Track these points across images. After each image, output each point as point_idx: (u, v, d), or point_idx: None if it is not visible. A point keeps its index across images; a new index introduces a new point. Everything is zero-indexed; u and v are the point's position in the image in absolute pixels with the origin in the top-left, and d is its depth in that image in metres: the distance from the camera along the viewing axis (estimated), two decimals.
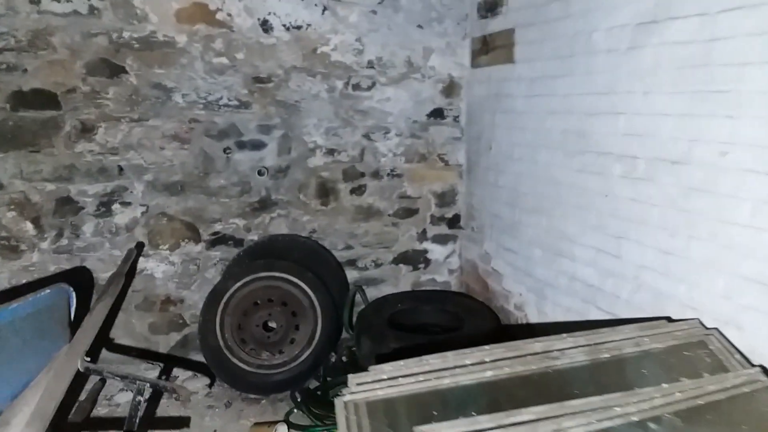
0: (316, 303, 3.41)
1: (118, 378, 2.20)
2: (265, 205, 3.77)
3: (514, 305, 3.48)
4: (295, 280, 3.42)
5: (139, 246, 3.52)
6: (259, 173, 3.67)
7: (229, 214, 3.71)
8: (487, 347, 2.11)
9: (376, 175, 3.96)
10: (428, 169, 4.07)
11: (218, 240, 3.71)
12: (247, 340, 3.36)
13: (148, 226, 3.57)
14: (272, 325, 3.47)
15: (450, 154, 4.08)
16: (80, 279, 3.36)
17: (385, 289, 4.11)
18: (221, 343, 3.26)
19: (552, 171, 3.05)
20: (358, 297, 3.91)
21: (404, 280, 4.15)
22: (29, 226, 3.37)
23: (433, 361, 2.05)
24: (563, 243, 2.97)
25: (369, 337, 3.27)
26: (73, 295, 2.42)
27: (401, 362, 2.07)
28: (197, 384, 3.41)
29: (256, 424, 2.92)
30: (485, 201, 3.85)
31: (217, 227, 3.70)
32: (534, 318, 3.28)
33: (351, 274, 4.02)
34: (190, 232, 3.65)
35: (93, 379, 3.25)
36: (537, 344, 2.12)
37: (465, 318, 3.49)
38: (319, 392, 3.27)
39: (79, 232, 3.47)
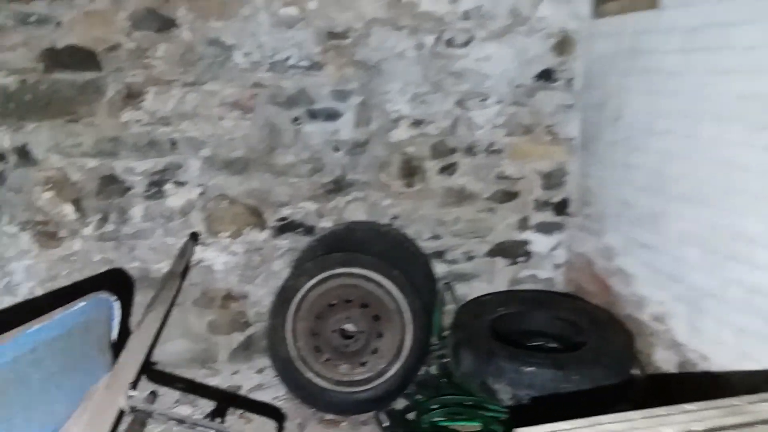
0: (404, 307, 2.82)
1: (174, 422, 1.67)
2: (340, 186, 3.17)
3: (652, 316, 2.78)
4: (379, 278, 2.83)
5: (195, 237, 2.99)
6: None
7: (299, 197, 3.13)
8: (691, 406, 1.46)
9: (470, 151, 3.29)
10: (533, 144, 3.37)
11: (286, 227, 3.15)
12: (322, 348, 2.81)
13: (206, 210, 3.04)
14: (351, 330, 2.90)
15: (560, 125, 3.37)
16: (113, 284, 2.86)
17: (478, 286, 3.47)
18: (293, 353, 2.72)
19: (722, 149, 2.32)
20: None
21: (500, 276, 3.50)
22: (69, 209, 2.89)
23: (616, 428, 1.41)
24: (738, 244, 2.26)
25: (471, 352, 2.66)
26: (117, 306, 1.89)
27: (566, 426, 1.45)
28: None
29: None
30: (608, 184, 3.13)
31: (285, 212, 3.14)
32: (683, 335, 2.58)
33: (438, 268, 3.41)
34: (253, 217, 3.10)
35: None
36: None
37: (587, 329, 2.83)
38: (408, 414, 2.70)
39: (127, 217, 2.96)
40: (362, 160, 3.17)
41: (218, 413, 2.49)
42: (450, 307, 3.33)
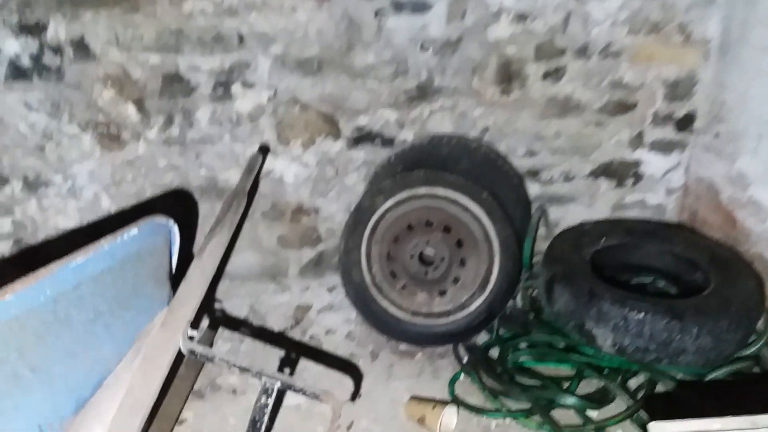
0: (492, 234, 2.49)
1: (237, 369, 1.47)
2: (425, 92, 2.77)
3: None
4: (465, 201, 2.49)
5: (264, 151, 2.72)
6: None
7: (378, 104, 2.76)
8: None
9: (582, 52, 2.77)
10: (660, 46, 2.79)
11: (362, 137, 2.82)
12: (398, 273, 2.56)
13: (277, 115, 2.74)
14: (430, 255, 2.62)
15: (696, 23, 2.75)
16: (177, 206, 2.67)
17: (574, 211, 3.07)
18: (367, 279, 2.48)
19: None
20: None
21: (601, 201, 3.07)
22: (131, 109, 2.66)
23: None
24: None
25: (568, 289, 2.33)
26: (176, 231, 1.67)
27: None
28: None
29: (415, 399, 2.17)
30: (750, 98, 2.56)
31: (362, 120, 2.79)
32: None
33: (531, 188, 3.01)
34: (327, 125, 2.78)
35: None
36: None
37: (707, 269, 2.42)
38: (490, 351, 2.46)
39: (193, 120, 2.72)
40: (453, 61, 2.72)
41: (287, 363, 2.29)
42: (543, 234, 2.98)
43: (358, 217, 2.49)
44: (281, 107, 2.72)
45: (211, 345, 2.31)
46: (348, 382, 2.21)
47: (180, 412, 2.00)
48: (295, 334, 2.59)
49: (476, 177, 2.67)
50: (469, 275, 2.53)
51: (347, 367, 2.38)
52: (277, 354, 2.43)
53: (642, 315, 2.14)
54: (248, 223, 2.91)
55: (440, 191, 2.50)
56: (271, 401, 1.43)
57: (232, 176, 2.80)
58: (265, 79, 2.67)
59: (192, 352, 1.47)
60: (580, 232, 2.72)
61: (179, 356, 1.48)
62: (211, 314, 2.69)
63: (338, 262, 2.49)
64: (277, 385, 1.43)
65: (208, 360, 1.48)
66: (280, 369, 2.22)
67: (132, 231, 1.49)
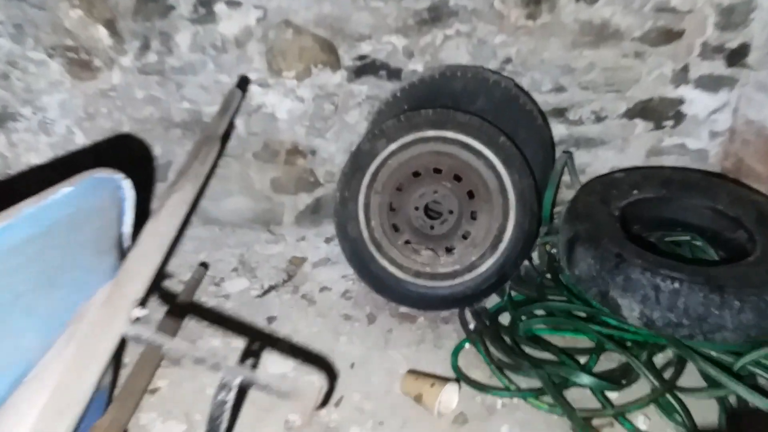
0: (508, 184, 2.18)
1: (192, 361, 1.24)
2: (438, 14, 2.38)
3: None
4: (479, 146, 2.17)
5: (243, 84, 2.39)
6: None
7: (384, 28, 2.39)
8: None
9: None
10: None
11: (365, 68, 2.47)
12: (400, 227, 2.29)
13: (267, 41, 2.39)
14: (438, 207, 2.33)
15: None
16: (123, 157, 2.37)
17: (605, 156, 2.73)
18: (365, 234, 2.21)
19: None
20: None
21: (636, 145, 2.72)
22: (102, 32, 2.33)
23: None
24: None
25: (591, 251, 2.04)
26: (128, 188, 1.40)
27: None
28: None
29: (413, 373, 1.95)
30: None
31: (365, 48, 2.43)
32: None
33: (556, 130, 2.67)
34: (325, 53, 2.43)
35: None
36: None
37: (754, 230, 2.11)
38: (500, 316, 2.22)
39: (172, 45, 2.38)
40: None
41: (252, 354, 1.98)
42: (567, 182, 2.66)
43: (356, 162, 2.19)
44: (272, 31, 2.37)
45: (173, 328, 2.05)
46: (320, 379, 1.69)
47: (148, 383, 1.80)
48: (287, 291, 2.36)
49: (494, 117, 2.33)
50: (480, 231, 2.25)
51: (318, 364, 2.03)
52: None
53: (676, 285, 1.85)
54: (239, 163, 2.63)
55: (451, 134, 2.18)
56: (231, 397, 1.20)
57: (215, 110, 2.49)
58: None
59: (138, 338, 1.23)
60: (609, 183, 2.39)
61: (124, 343, 1.25)
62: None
63: (333, 214, 2.21)
64: (238, 380, 1.19)
65: (153, 344, 1.24)
66: (243, 360, 1.92)
67: (65, 189, 1.22)
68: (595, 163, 2.75)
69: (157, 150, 2.57)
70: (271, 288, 2.37)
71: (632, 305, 1.94)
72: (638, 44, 2.49)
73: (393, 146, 2.19)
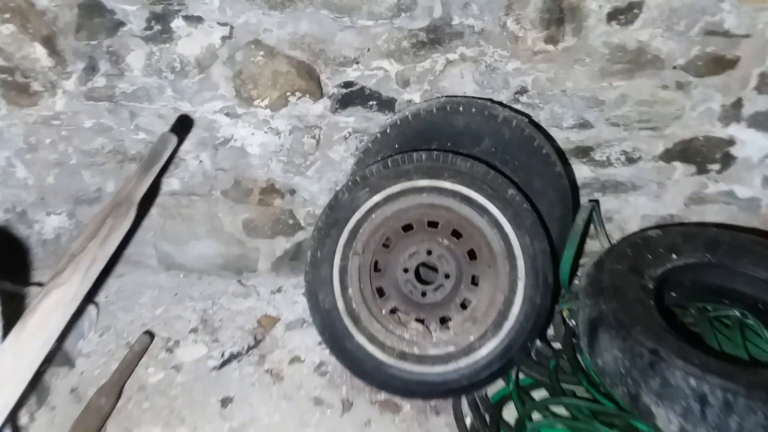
0: (517, 249, 1.78)
1: None
2: (439, 36, 1.98)
3: None
4: (483, 201, 1.78)
5: (181, 126, 2.01)
6: None
7: (374, 51, 2.00)
8: None
9: None
10: None
11: (352, 97, 2.08)
12: (386, 291, 1.90)
13: (234, 64, 2.01)
14: (431, 265, 1.94)
15: None
16: None
17: (635, 203, 2.30)
18: (341, 304, 1.82)
19: None
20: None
21: (673, 191, 2.28)
22: (40, 51, 1.98)
23: None
24: None
25: (618, 340, 1.63)
26: None
27: None
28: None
29: None
30: None
31: (352, 74, 2.04)
32: None
33: (579, 171, 2.25)
34: (304, 79, 2.04)
35: None
36: None
37: None
38: (503, 407, 1.81)
39: (123, 67, 2.02)
40: None
41: None
42: (591, 236, 2.24)
43: (332, 216, 1.81)
44: (240, 52, 1.99)
45: None
46: None
47: None
48: (251, 362, 1.98)
49: (502, 162, 1.95)
50: (481, 302, 1.85)
51: None
52: None
53: (729, 398, 1.44)
54: (205, 202, 2.26)
55: (448, 185, 1.79)
56: None
57: (184, 143, 2.13)
58: (216, 11, 1.93)
59: None
60: (641, 245, 1.96)
61: None
62: None
63: (303, 277, 1.83)
64: None
65: None
66: None
67: None
68: (625, 210, 2.33)
69: (109, 187, 2.21)
70: (233, 357, 2.00)
71: (670, 417, 1.53)
72: (681, 74, 2.06)
73: (377, 198, 1.81)
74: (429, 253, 1.90)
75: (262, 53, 1.98)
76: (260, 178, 2.22)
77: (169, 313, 2.20)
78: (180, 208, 2.26)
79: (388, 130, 1.97)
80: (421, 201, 1.83)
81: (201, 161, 2.18)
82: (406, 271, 1.90)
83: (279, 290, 2.33)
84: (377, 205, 1.82)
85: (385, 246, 1.90)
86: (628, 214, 2.34)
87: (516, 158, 1.93)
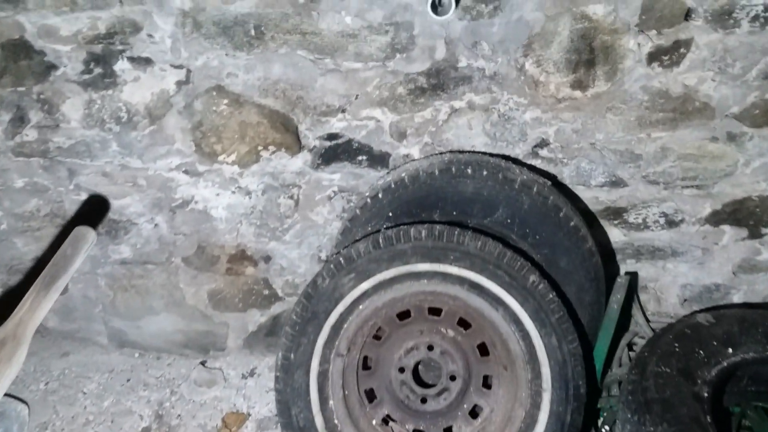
0: (541, 352, 1.42)
1: None
2: (442, 81, 1.62)
3: None
4: (497, 290, 1.42)
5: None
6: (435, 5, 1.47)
7: (364, 99, 1.64)
8: None
9: (722, 18, 1.56)
10: None
11: (337, 151, 1.72)
12: (378, 394, 1.54)
13: (192, 113, 1.66)
14: (432, 365, 1.58)
15: None
16: None
17: (675, 271, 1.94)
18: (318, 421, 1.45)
19: None
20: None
21: (721, 258, 1.92)
22: None
23: None
24: None
25: None
26: None
27: None
28: None
29: None
30: None
31: (337, 124, 1.68)
32: None
33: (611, 234, 1.89)
34: (278, 131, 1.69)
35: None
36: None
37: None
38: None
39: (58, 117, 1.67)
40: (492, 29, 1.56)
41: None
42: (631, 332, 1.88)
43: (310, 309, 1.44)
44: (199, 100, 1.64)
45: None
46: None
47: None
48: None
49: (521, 236, 1.58)
50: (495, 413, 1.48)
51: None
52: None
53: None
54: (163, 271, 1.90)
55: (454, 270, 1.43)
56: None
57: (129, 204, 1.78)
58: (168, 51, 1.57)
59: None
60: (691, 336, 1.59)
61: None
62: None
63: (273, 385, 1.46)
64: None
65: None
66: None
67: None
68: (663, 278, 1.97)
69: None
70: None
71: None
72: (735, 123, 1.70)
73: (365, 285, 1.45)
74: (430, 348, 1.54)
75: (226, 101, 1.63)
76: (228, 244, 1.86)
77: (119, 406, 1.83)
78: (133, 279, 1.90)
79: (380, 195, 1.61)
80: (420, 289, 1.47)
81: (156, 225, 1.82)
82: (401, 371, 1.54)
83: (251, 373, 1.96)
84: (365, 295, 1.46)
85: (377, 338, 1.55)
86: (665, 283, 1.98)
87: (537, 232, 1.57)
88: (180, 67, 1.59)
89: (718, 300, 1.99)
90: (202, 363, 1.99)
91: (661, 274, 1.96)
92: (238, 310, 1.97)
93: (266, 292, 1.95)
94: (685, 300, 2.00)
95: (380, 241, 1.46)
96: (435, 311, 1.53)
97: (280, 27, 1.54)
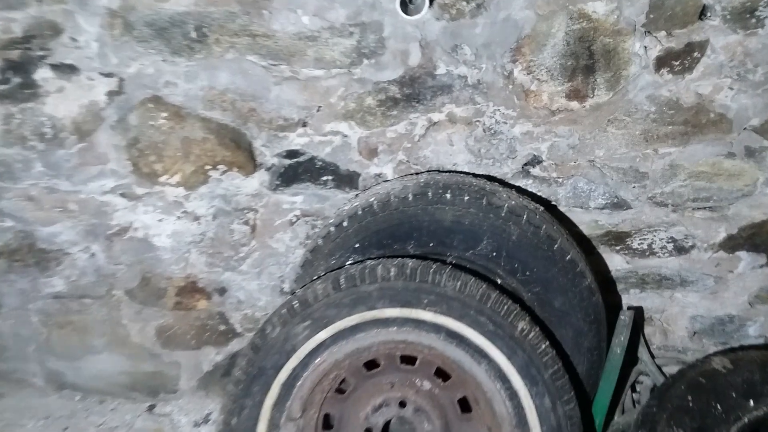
0: (531, 415, 1.19)
1: None
2: (417, 91, 1.40)
3: None
4: (480, 340, 1.20)
5: None
6: (404, 3, 1.24)
7: (327, 111, 1.41)
8: None
9: (741, 17, 1.33)
10: None
11: (298, 170, 1.50)
12: None
13: (127, 128, 1.43)
14: (408, 424, 1.35)
15: None
16: None
17: (684, 301, 1.72)
18: None
19: None
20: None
21: (736, 287, 1.69)
22: None
23: None
24: None
25: None
26: None
27: None
28: None
29: None
30: None
31: (297, 140, 1.46)
32: None
33: (612, 261, 1.67)
34: (228, 148, 1.46)
35: None
36: None
37: None
38: None
39: None
40: (474, 31, 1.33)
41: None
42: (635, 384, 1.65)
43: (256, 364, 1.22)
44: (134, 114, 1.40)
45: None
46: None
47: None
48: None
49: (509, 272, 1.36)
50: None
51: None
52: None
53: None
54: (103, 306, 1.67)
55: (429, 316, 1.21)
56: None
57: (60, 232, 1.55)
58: (95, 57, 1.34)
59: None
60: (706, 387, 1.38)
61: None
62: None
63: None
64: None
65: None
66: None
67: None
68: (670, 309, 1.75)
69: None
70: None
71: None
72: (754, 137, 1.49)
73: (323, 335, 1.22)
74: (402, 405, 1.31)
75: (165, 115, 1.40)
76: (176, 276, 1.63)
77: None
78: (69, 315, 1.67)
79: (345, 223, 1.38)
80: (388, 338, 1.25)
81: (92, 255, 1.59)
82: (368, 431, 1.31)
83: (206, 419, 1.73)
84: (323, 346, 1.23)
85: (340, 391, 1.32)
86: (673, 314, 1.76)
87: (528, 267, 1.35)
88: (110, 75, 1.36)
89: (732, 333, 1.77)
90: (150, 408, 1.75)
91: (669, 305, 1.74)
92: (190, 348, 1.74)
93: (222, 327, 1.72)
94: (695, 333, 1.79)
95: (341, 281, 1.23)
96: (408, 359, 1.31)
97: (225, 28, 1.31)
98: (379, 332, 1.25)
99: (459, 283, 1.22)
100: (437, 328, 1.23)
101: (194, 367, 1.77)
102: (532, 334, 1.22)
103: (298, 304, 1.24)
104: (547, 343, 1.22)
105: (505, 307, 1.22)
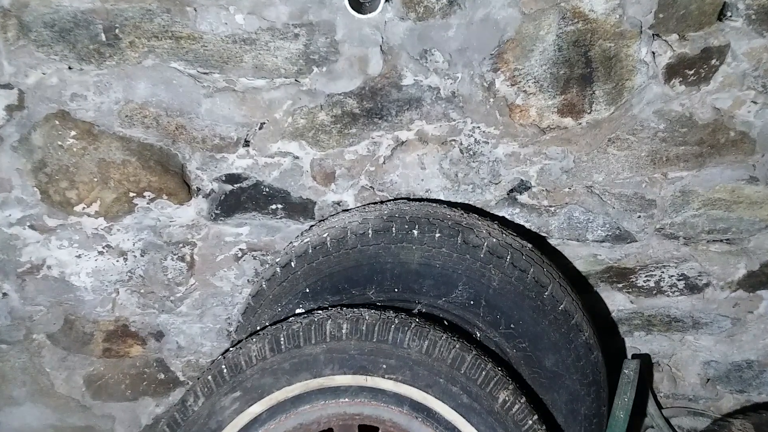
0: None
1: None
2: (380, 106, 1.16)
3: None
4: (454, 417, 0.96)
5: None
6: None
7: (271, 128, 1.18)
8: None
9: (766, 17, 1.11)
10: None
11: (241, 197, 1.26)
12: None
13: (31, 149, 1.19)
14: None
15: None
16: None
17: (696, 345, 1.49)
18: None
19: None
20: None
21: (756, 330, 1.47)
22: None
23: None
24: None
25: None
26: None
27: None
28: None
29: None
30: None
31: (238, 162, 1.22)
32: None
33: (613, 300, 1.44)
34: (154, 173, 1.22)
35: None
36: None
37: None
38: None
39: None
40: (447, 34, 1.10)
41: None
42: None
43: None
44: (38, 132, 1.17)
45: None
46: None
47: None
48: None
49: (490, 324, 1.13)
50: None
51: None
52: None
53: None
54: (22, 351, 1.43)
55: (389, 384, 0.98)
56: None
57: None
58: None
59: None
60: None
61: None
62: None
63: None
64: None
65: None
66: None
67: None
68: (681, 353, 1.52)
69: None
70: None
71: None
72: None
73: (257, 408, 0.99)
74: None
75: (74, 133, 1.16)
76: (104, 319, 1.39)
77: None
78: None
79: (293, 263, 1.15)
80: (339, 411, 1.01)
81: (4, 294, 1.35)
82: None
83: None
84: (258, 421, 1.00)
85: None
86: (683, 359, 1.53)
87: (512, 319, 1.11)
88: (7, 86, 1.13)
89: (750, 380, 1.54)
90: None
91: (679, 349, 1.51)
92: (126, 399, 1.50)
93: (162, 376, 1.49)
94: (708, 380, 1.56)
95: (281, 340, 1.00)
96: (369, 429, 1.08)
97: (142, 29, 1.07)
98: (327, 404, 1.01)
99: (426, 343, 0.99)
100: (399, 400, 1.00)
101: (131, 420, 1.53)
102: (516, 407, 0.99)
103: (226, 370, 1.00)
104: (535, 417, 0.99)
105: (483, 374, 0.99)
